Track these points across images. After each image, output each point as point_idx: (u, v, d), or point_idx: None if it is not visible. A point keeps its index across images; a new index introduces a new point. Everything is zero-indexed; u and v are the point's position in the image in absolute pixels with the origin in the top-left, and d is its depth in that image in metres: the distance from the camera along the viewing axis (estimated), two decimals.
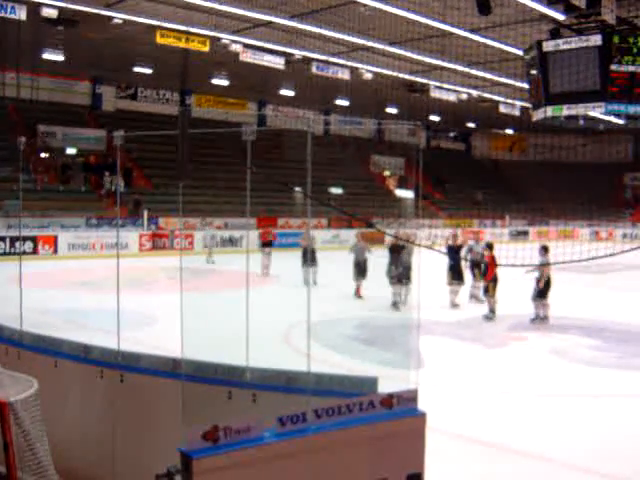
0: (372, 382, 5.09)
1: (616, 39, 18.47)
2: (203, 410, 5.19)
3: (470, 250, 19.71)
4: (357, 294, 19.73)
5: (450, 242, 19.62)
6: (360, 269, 19.75)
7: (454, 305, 18.52)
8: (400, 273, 18.10)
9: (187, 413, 4.94)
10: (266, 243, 25.11)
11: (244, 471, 3.90)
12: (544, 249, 16.99)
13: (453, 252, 18.60)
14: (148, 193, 37.82)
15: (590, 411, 9.99)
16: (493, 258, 17.41)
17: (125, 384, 6.15)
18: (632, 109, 19.16)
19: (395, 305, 17.78)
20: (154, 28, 27.61)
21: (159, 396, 5.92)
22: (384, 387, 4.84)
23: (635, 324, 16.73)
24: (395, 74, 36.06)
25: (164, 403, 5.81)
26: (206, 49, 28.90)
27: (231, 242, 35.25)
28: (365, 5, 24.06)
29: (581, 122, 22.10)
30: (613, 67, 18.56)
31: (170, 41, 28.04)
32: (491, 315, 17.07)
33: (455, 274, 18.62)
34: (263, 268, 23.91)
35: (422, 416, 4.60)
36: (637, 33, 19.00)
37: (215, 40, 29.05)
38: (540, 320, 16.53)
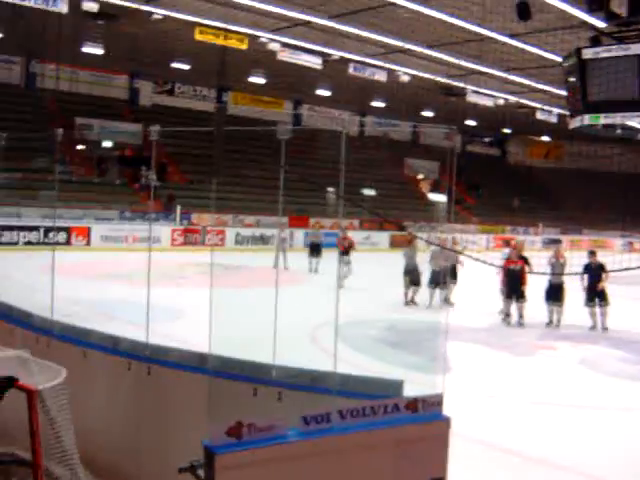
0: (398, 385, 5.08)
1: None
2: (228, 406, 5.21)
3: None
4: (408, 301, 19.08)
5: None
6: (411, 277, 19.14)
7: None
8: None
9: (212, 408, 4.96)
10: (344, 251, 22.16)
11: (266, 468, 3.91)
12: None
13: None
14: (182, 188, 38.01)
15: (618, 424, 9.90)
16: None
17: (152, 377, 6.19)
18: None
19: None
20: (193, 25, 27.78)
21: (185, 390, 5.95)
22: (409, 391, 4.83)
23: None
24: (432, 77, 35.96)
25: (190, 397, 5.83)
26: (244, 47, 29.00)
27: (262, 240, 35.42)
28: (404, 7, 24.01)
29: (619, 131, 21.89)
30: None
31: (209, 38, 28.19)
32: (522, 320, 17.13)
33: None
34: (342, 278, 21.70)
35: (446, 421, 4.58)
36: None
37: (253, 38, 29.16)
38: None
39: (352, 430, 4.24)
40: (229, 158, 35.88)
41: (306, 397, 5.21)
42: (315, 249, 25.98)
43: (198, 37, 27.93)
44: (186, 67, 38.52)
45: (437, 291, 18.40)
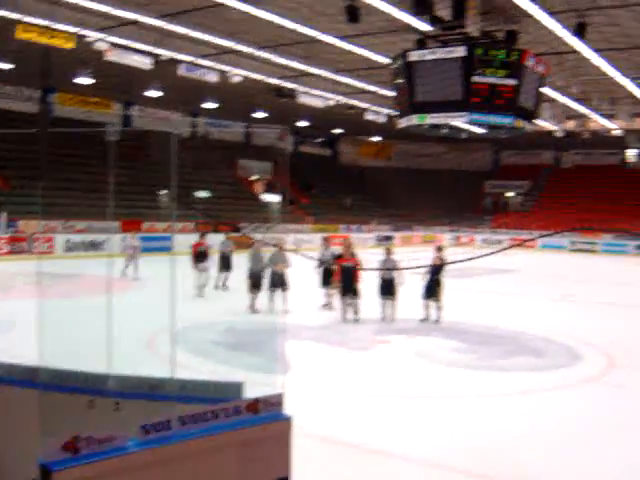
0: (237, 387, 5.04)
1: (479, 51, 19.20)
2: (63, 420, 5.01)
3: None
4: (252, 308, 18.34)
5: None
6: (254, 280, 18.58)
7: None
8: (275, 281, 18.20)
9: (45, 424, 4.75)
10: (198, 256, 20.97)
11: None
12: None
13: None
14: (6, 194, 36.36)
15: (451, 411, 10.26)
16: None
17: None
18: (492, 119, 19.96)
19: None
20: (15, 22, 26.58)
21: (16, 407, 5.67)
22: (250, 392, 4.80)
23: (493, 326, 17.36)
24: (263, 78, 36.12)
25: (22, 414, 5.57)
26: (71, 46, 28.02)
27: (94, 246, 34.42)
28: (234, 8, 23.97)
29: (444, 131, 22.85)
30: (475, 78, 19.28)
31: (32, 36, 27.04)
32: (357, 316, 17.45)
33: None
34: (199, 288, 20.60)
35: (288, 420, 4.59)
36: (499, 46, 19.82)
37: (80, 37, 28.25)
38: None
39: (194, 436, 4.18)
40: (56, 161, 34.68)
41: (145, 405, 5.09)
42: (225, 262, 22.15)
43: (20, 35, 26.75)
44: (8, 66, 36.82)
45: (277, 293, 18.31)
